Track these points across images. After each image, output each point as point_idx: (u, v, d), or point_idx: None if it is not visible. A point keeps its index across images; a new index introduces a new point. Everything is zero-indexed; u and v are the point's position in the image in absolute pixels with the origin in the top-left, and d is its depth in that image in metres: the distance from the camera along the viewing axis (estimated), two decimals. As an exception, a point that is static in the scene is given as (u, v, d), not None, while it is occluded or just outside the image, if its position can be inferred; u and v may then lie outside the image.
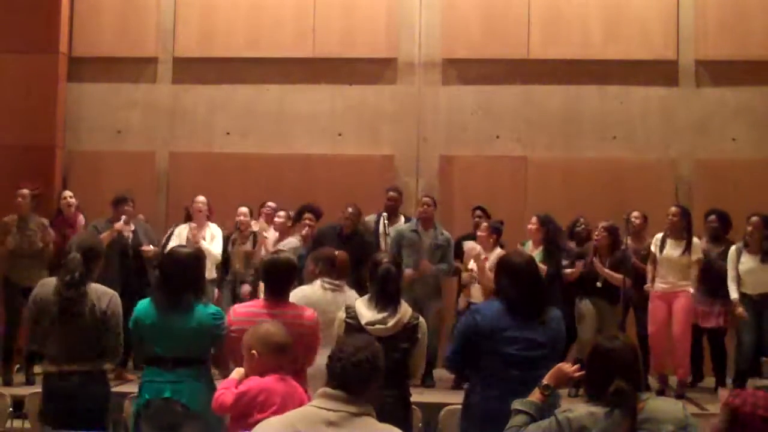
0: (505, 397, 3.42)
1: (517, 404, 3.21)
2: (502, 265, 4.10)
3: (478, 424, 3.83)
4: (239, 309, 4.33)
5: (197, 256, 4.34)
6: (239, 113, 9.79)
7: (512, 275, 3.94)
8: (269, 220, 8.10)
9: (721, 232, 7.39)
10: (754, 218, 6.97)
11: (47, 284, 4.39)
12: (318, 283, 4.96)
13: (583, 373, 3.21)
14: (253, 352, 3.57)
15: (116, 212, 7.60)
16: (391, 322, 4.10)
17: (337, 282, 4.98)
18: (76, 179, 9.51)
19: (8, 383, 7.16)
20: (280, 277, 4.30)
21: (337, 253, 5.21)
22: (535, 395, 3.25)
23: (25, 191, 7.55)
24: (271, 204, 8.26)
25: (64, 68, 9.77)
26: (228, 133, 9.80)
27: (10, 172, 8.70)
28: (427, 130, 9.60)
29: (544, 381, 3.30)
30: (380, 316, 4.11)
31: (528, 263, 4.03)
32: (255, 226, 8.02)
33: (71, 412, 4.17)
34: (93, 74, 9.87)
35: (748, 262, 6.93)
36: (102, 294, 4.33)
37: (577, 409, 3.00)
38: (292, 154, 9.53)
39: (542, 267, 7.05)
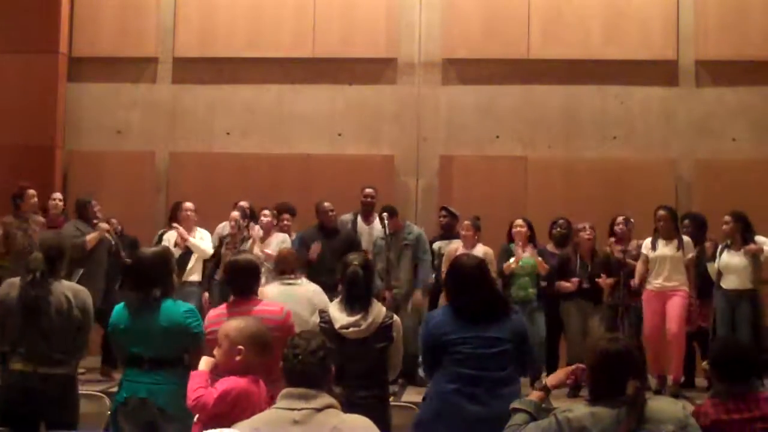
0: (458, 393, 3.81)
1: (516, 403, 3.23)
2: (451, 268, 4.16)
3: (430, 415, 3.93)
4: (211, 313, 4.37)
5: (163, 254, 4.36)
6: (239, 113, 9.79)
7: (459, 278, 4.02)
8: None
9: (696, 235, 7.43)
10: (727, 217, 7.15)
11: (13, 284, 4.42)
12: (276, 282, 5.20)
13: (574, 379, 3.29)
14: (240, 347, 3.40)
15: (84, 214, 7.50)
16: (364, 324, 4.10)
17: (291, 277, 5.17)
18: (76, 179, 9.51)
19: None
20: (242, 277, 4.36)
21: (280, 248, 5.48)
22: (535, 395, 3.26)
23: (34, 192, 7.50)
24: (266, 212, 8.12)
25: (64, 68, 9.77)
26: (228, 133, 9.80)
27: (10, 172, 8.69)
28: (427, 130, 9.60)
29: (544, 382, 3.33)
30: (353, 318, 4.11)
31: (476, 266, 4.06)
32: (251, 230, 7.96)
33: (48, 412, 4.25)
34: (93, 74, 9.87)
35: (726, 257, 7.09)
36: (73, 291, 4.39)
37: (577, 409, 3.00)
38: (292, 154, 9.53)
39: (544, 266, 7.29)
